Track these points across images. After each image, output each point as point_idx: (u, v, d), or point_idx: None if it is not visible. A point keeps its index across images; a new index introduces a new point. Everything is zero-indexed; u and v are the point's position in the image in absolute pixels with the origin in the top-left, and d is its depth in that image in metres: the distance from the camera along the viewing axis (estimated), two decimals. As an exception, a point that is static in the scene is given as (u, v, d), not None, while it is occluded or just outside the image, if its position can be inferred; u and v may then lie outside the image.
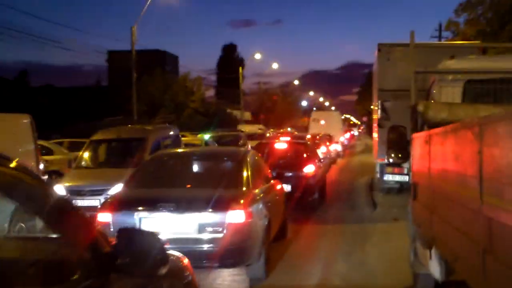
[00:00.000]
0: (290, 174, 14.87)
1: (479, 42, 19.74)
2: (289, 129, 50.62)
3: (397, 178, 16.15)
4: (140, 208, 7.76)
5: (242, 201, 7.87)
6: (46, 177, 16.64)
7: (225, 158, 9.43)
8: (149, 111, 44.14)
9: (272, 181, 10.51)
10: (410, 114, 7.74)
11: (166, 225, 7.66)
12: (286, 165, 15.12)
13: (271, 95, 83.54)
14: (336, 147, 33.59)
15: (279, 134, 28.81)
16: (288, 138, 19.84)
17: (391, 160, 8.07)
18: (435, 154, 5.66)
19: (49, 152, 19.77)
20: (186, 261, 4.37)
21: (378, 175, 17.43)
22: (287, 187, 14.62)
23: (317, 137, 28.51)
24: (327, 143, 29.56)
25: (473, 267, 3.97)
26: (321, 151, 26.14)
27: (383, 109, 16.10)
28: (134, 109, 37.84)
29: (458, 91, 7.96)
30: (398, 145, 8.10)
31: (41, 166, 17.28)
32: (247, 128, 44.49)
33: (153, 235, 3.00)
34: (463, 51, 16.22)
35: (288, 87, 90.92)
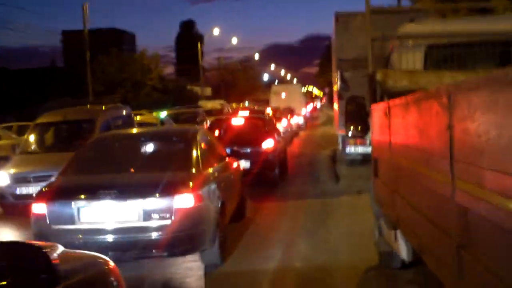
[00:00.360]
0: (249, 150, 14.28)
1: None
2: (246, 103, 49.79)
3: (360, 149, 15.68)
4: (78, 196, 7.01)
5: (190, 184, 7.19)
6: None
7: (173, 139, 8.66)
8: (106, 91, 42.91)
9: (226, 159, 9.83)
10: (368, 83, 7.13)
11: (108, 214, 6.94)
12: (244, 141, 14.49)
13: (232, 69, 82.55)
14: (298, 120, 33.09)
15: (238, 109, 28.04)
16: (247, 113, 19.15)
17: (350, 133, 7.45)
18: (396, 127, 5.03)
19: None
20: (112, 265, 3.68)
21: (340, 147, 16.95)
22: (245, 164, 14.04)
23: (278, 110, 27.95)
24: (288, 116, 29.00)
25: (445, 264, 3.33)
26: (282, 124, 25.63)
27: (343, 80, 15.52)
28: (90, 90, 36.74)
29: (419, 57, 7.36)
30: (357, 117, 7.51)
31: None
32: (208, 104, 43.56)
33: (39, 250, 2.31)
34: (423, 15, 15.78)
35: (249, 61, 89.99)
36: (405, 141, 4.55)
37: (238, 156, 14.09)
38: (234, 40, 66.60)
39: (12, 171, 12.20)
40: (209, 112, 30.12)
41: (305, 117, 38.84)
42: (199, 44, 60.55)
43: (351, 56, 15.49)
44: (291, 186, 14.45)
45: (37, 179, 11.77)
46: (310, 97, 75.43)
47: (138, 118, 20.18)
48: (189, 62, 74.30)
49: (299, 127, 33.48)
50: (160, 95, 48.51)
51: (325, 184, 14.40)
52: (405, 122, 4.51)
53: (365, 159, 16.31)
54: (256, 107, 41.42)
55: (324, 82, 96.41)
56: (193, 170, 7.66)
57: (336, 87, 18.64)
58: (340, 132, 15.94)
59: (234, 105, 47.73)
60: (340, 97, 15.74)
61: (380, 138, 6.13)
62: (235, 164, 10.44)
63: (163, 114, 20.17)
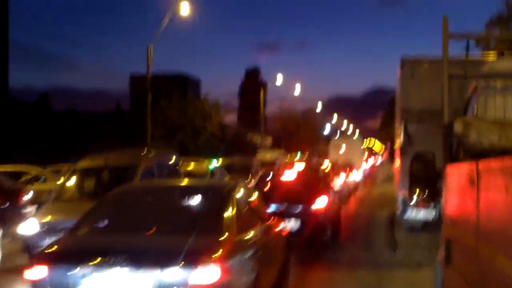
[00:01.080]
0: (299, 208, 12.93)
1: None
2: (298, 154, 48.21)
3: (422, 214, 14.05)
4: (82, 261, 5.85)
5: (217, 253, 5.94)
6: (32, 208, 14.93)
7: (205, 195, 7.43)
8: (167, 136, 42.62)
9: (270, 221, 8.55)
10: (442, 136, 5.70)
11: (115, 285, 5.75)
12: (295, 198, 13.18)
13: (293, 120, 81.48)
14: (355, 176, 31.46)
15: (292, 162, 26.76)
16: (301, 167, 17.85)
17: (414, 199, 5.97)
18: (489, 202, 3.58)
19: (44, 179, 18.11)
20: None
21: (399, 210, 15.34)
22: (294, 224, 12.70)
23: (336, 165, 26.52)
24: (347, 171, 27.48)
25: None
26: (339, 181, 24.16)
27: (406, 133, 14.07)
28: (148, 134, 36.34)
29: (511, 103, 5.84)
30: (425, 179, 6.02)
31: (29, 195, 15.60)
32: (267, 155, 42.51)
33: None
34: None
35: (311, 112, 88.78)
36: (504, 222, 3.13)
37: (286, 215, 12.83)
38: (298, 87, 65.73)
39: (43, 219, 11.23)
40: (266, 163, 29.01)
41: (364, 173, 37.09)
42: (261, 92, 60.09)
43: (416, 107, 14.08)
44: (343, 251, 12.95)
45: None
46: (370, 152, 73.33)
47: (191, 165, 19.23)
48: (252, 110, 73.86)
49: (357, 184, 31.80)
50: (219, 142, 47.90)
51: (381, 252, 12.80)
52: (505, 196, 3.09)
53: (426, 224, 14.67)
54: (315, 159, 40.06)
55: (386, 136, 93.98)
56: (223, 235, 6.41)
57: (398, 142, 17.14)
58: (401, 194, 14.38)
59: (289, 155, 46.50)
60: (402, 153, 14.26)
61: (459, 212, 4.69)
62: (281, 226, 9.16)
63: (214, 163, 19.17)
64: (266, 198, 13.32)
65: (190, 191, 7.57)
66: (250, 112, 78.75)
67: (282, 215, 12.71)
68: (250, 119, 73.28)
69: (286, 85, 65.53)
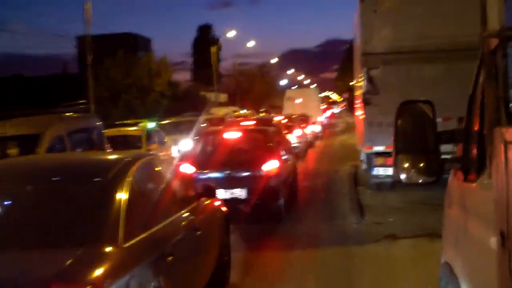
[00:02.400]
0: (245, 174, 10.55)
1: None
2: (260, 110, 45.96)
3: (390, 171, 11.81)
4: None
5: (86, 276, 3.48)
6: None
7: (80, 181, 4.77)
8: (111, 97, 39.46)
9: (195, 203, 6.08)
10: (477, 72, 3.21)
11: None
12: (240, 162, 10.77)
13: (248, 75, 78.73)
14: (313, 128, 29.17)
15: (240, 118, 24.20)
16: (250, 123, 15.37)
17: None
18: None
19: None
20: None
21: (364, 166, 13.08)
22: (241, 193, 10.34)
23: (291, 118, 24.13)
24: (303, 125, 25.15)
25: None
26: (296, 134, 21.82)
27: (370, 80, 11.68)
28: (91, 96, 33.26)
29: None
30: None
31: None
32: (221, 111, 39.98)
33: None
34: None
35: (266, 67, 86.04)
36: None
37: (230, 182, 10.44)
38: (251, 44, 63.12)
39: None
40: (218, 121, 26.40)
41: (322, 124, 34.81)
42: (212, 47, 57.03)
43: (381, 48, 11.69)
44: (300, 222, 10.61)
45: None
46: (327, 102, 71.39)
47: (123, 129, 16.54)
48: (205, 67, 70.76)
49: (315, 136, 29.55)
50: (171, 102, 44.93)
51: (346, 220, 10.54)
52: None
53: (395, 182, 12.49)
54: (272, 114, 37.58)
55: (343, 87, 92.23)
56: (101, 245, 3.91)
57: (359, 91, 14.78)
58: (365, 149, 12.07)
59: (248, 111, 44.04)
60: (366, 103, 11.89)
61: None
62: (217, 204, 6.76)
63: (151, 124, 16.53)
64: (205, 164, 10.94)
65: (62, 172, 4.90)
66: (204, 69, 75.64)
67: (224, 184, 10.41)
68: (204, 77, 70.17)
69: (241, 42, 63.29)
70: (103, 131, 12.74)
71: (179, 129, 21.27)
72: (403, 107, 3.75)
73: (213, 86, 60.31)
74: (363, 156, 13.54)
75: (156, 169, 5.43)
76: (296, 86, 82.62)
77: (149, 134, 15.72)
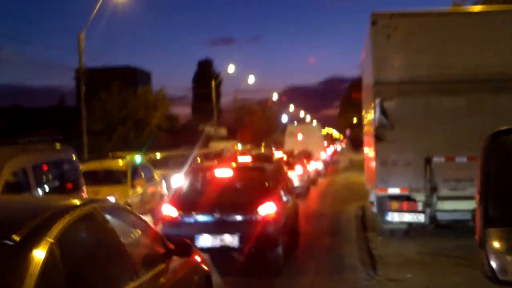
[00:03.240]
0: (238, 218, 8.98)
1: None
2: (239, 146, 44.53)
3: (407, 217, 10.26)
4: None
5: None
6: None
7: None
8: (106, 130, 38.08)
9: (167, 262, 4.54)
10: None
11: None
12: (233, 203, 9.20)
13: (249, 110, 77.62)
14: (316, 166, 27.62)
15: (235, 154, 22.65)
16: (247, 159, 13.84)
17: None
18: None
19: None
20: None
21: (374, 210, 11.49)
22: (232, 241, 8.81)
23: (292, 154, 22.60)
24: (305, 162, 23.61)
25: None
26: (297, 172, 20.29)
27: (383, 112, 10.19)
28: (84, 128, 31.78)
29: None
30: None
31: None
32: (220, 145, 38.57)
33: None
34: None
35: (267, 102, 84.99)
36: None
37: (220, 228, 8.89)
38: (252, 79, 62.03)
39: None
40: (215, 155, 24.90)
41: (325, 162, 33.23)
42: (213, 82, 55.98)
43: (396, 77, 10.28)
44: (302, 276, 8.97)
45: None
46: (330, 139, 69.94)
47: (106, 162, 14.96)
48: (205, 102, 69.75)
49: (318, 173, 27.97)
50: (168, 135, 43.59)
51: (356, 274, 8.91)
52: None
53: (410, 228, 10.95)
54: (273, 149, 36.05)
55: (345, 123, 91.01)
56: None
57: (368, 127, 13.29)
58: (378, 192, 10.48)
59: (248, 146, 42.61)
60: (378, 139, 10.35)
61: None
62: (195, 264, 5.23)
63: (138, 158, 15.02)
64: (191, 205, 9.41)
65: None
66: (204, 104, 74.68)
67: (212, 229, 8.86)
68: (204, 111, 69.08)
69: (241, 78, 62.23)
70: (78, 165, 11.24)
71: (171, 164, 19.79)
72: (497, 139, 2.18)
73: (213, 121, 59.13)
74: (373, 198, 11.99)
75: (102, 222, 3.86)
76: (297, 122, 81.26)
77: (135, 168, 14.18)
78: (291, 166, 19.84)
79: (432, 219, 10.22)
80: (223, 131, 69.09)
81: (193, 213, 9.03)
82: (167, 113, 43.83)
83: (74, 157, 11.08)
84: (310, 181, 24.04)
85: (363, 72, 13.92)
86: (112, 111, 38.17)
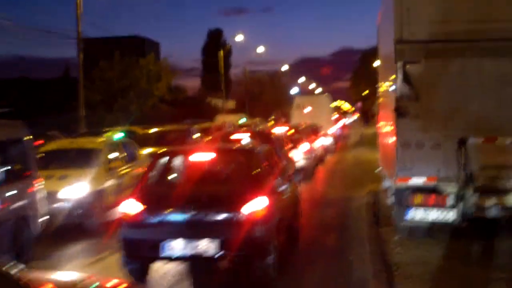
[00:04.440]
0: (218, 217, 6.85)
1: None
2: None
3: (434, 214, 8.02)
4: None
5: None
6: None
7: None
8: (106, 102, 35.96)
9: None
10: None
11: None
12: (212, 198, 7.04)
13: (259, 82, 75.09)
14: (324, 141, 25.33)
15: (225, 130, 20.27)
16: (242, 136, 11.65)
17: None
18: None
19: None
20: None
21: (391, 201, 9.24)
22: (210, 248, 6.72)
23: (297, 129, 20.30)
24: (312, 137, 21.35)
25: None
26: (302, 149, 18.11)
27: (407, 80, 7.90)
28: (81, 100, 29.62)
29: None
30: None
31: None
32: (228, 118, 36.41)
33: None
34: None
35: (277, 74, 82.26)
36: None
37: (196, 230, 6.79)
38: (261, 49, 59.57)
39: None
40: (218, 130, 22.68)
41: (334, 136, 30.85)
42: (221, 52, 53.52)
43: (424, 33, 7.98)
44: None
45: None
46: (340, 112, 67.27)
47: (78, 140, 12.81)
48: (215, 73, 67.28)
49: (326, 150, 25.68)
50: (172, 108, 41.39)
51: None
52: None
53: (432, 226, 8.68)
54: (282, 122, 33.73)
55: (356, 96, 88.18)
56: None
57: (384, 98, 10.98)
58: (398, 182, 8.19)
59: (256, 120, 40.39)
60: (400, 113, 8.04)
61: None
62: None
63: (118, 135, 12.84)
64: (158, 199, 7.28)
65: None
66: (213, 76, 72.20)
67: (185, 232, 6.75)
68: (214, 83, 66.66)
69: (252, 49, 59.62)
70: (31, 145, 9.14)
71: (165, 140, 17.58)
72: None
73: (221, 93, 56.93)
74: (387, 184, 9.77)
75: None
76: (305, 94, 78.36)
77: (112, 147, 12.02)
78: (296, 143, 17.63)
79: (465, 216, 7.95)
80: (231, 104, 66.84)
81: (162, 210, 6.89)
82: (171, 84, 41.57)
83: (26, 136, 9.00)
84: (317, 159, 21.81)
85: (380, 35, 11.55)
86: (112, 81, 35.97)
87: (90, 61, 48.03)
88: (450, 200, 7.83)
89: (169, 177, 7.88)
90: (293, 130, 20.07)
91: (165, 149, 8.90)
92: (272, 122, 44.58)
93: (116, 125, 28.91)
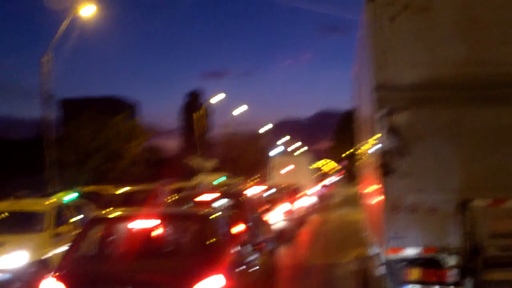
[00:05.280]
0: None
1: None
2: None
3: (435, 293, 6.59)
4: None
5: None
6: None
7: None
8: (77, 162, 34.44)
9: None
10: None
11: None
12: (153, 277, 5.57)
13: (239, 143, 74.19)
14: (305, 202, 23.95)
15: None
16: (208, 197, 10.27)
17: None
18: None
19: None
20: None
21: (382, 273, 7.80)
22: None
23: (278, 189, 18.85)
24: (293, 197, 19.98)
25: None
26: (282, 210, 16.76)
27: (393, 131, 6.64)
28: (46, 160, 28.01)
29: None
30: None
31: None
32: (207, 178, 35.10)
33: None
34: None
35: (258, 135, 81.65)
36: None
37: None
38: (241, 109, 58.90)
39: None
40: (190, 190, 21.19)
41: (318, 196, 29.39)
42: (197, 112, 52.70)
43: (408, 77, 6.76)
44: None
45: None
46: (322, 172, 66.17)
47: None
48: (194, 134, 66.59)
49: (308, 211, 24.26)
50: (149, 168, 39.97)
51: None
52: None
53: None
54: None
55: (339, 156, 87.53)
56: None
57: (365, 155, 9.70)
58: (390, 253, 6.78)
59: (238, 179, 39.15)
60: (387, 171, 6.70)
61: None
62: None
63: (70, 196, 11.42)
64: (84, 279, 5.80)
65: None
66: (192, 136, 71.35)
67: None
68: (193, 143, 65.65)
69: (233, 110, 58.77)
70: None
71: (132, 201, 16.13)
72: None
73: (202, 153, 55.70)
74: (376, 251, 8.39)
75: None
76: (282, 153, 77.04)
77: (60, 210, 10.54)
78: (273, 204, 16.22)
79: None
80: (210, 164, 65.49)
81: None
82: (144, 144, 40.23)
83: None
84: (299, 220, 20.36)
85: (356, 90, 10.40)
86: (84, 141, 34.57)
87: (66, 121, 46.86)
88: (453, 276, 6.44)
89: (103, 250, 6.42)
90: (272, 190, 18.62)
91: (99, 214, 7.46)
92: (256, 181, 43.38)
93: (90, 185, 27.50)
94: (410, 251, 6.56)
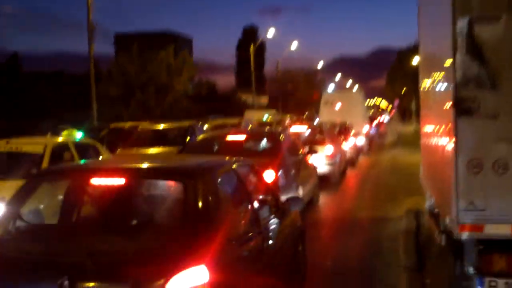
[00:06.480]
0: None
1: None
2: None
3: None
4: None
5: None
6: None
7: None
8: (124, 95, 33.13)
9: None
10: None
11: None
12: (108, 266, 3.64)
13: (293, 79, 71.66)
14: (356, 142, 21.70)
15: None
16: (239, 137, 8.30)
17: None
18: None
19: None
20: None
21: (442, 241, 5.62)
22: None
23: (321, 129, 16.64)
24: (341, 138, 17.82)
25: None
26: (326, 153, 14.69)
27: (475, 50, 4.34)
28: (93, 95, 26.77)
29: None
30: None
31: None
32: (255, 115, 33.25)
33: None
34: None
35: (312, 72, 78.62)
36: None
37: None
38: (296, 45, 56.12)
39: None
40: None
41: (368, 136, 27.04)
42: (251, 47, 50.33)
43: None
44: None
45: None
46: (376, 110, 63.20)
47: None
48: (249, 69, 64.51)
49: (358, 152, 22.04)
50: (196, 103, 38.39)
51: None
52: None
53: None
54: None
55: (392, 94, 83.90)
56: None
57: (428, 93, 7.27)
58: (464, 231, 4.61)
59: (288, 116, 37.02)
60: (463, 111, 4.42)
61: None
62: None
63: (75, 135, 9.77)
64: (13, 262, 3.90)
65: None
66: (247, 72, 69.33)
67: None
68: (247, 79, 63.73)
69: (288, 46, 56.22)
70: None
71: (158, 140, 14.33)
72: None
73: (256, 89, 53.81)
74: (436, 210, 6.23)
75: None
76: (334, 89, 73.62)
77: (60, 150, 8.77)
78: (318, 144, 14.13)
79: None
80: (263, 100, 63.57)
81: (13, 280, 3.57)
82: (195, 78, 38.49)
83: None
84: (346, 163, 18.24)
85: (423, 13, 7.89)
86: (130, 76, 33.07)
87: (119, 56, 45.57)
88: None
89: (43, 219, 4.52)
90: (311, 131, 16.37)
91: (49, 167, 5.55)
92: (304, 118, 41.29)
93: (134, 120, 26.35)
94: (494, 230, 4.35)
